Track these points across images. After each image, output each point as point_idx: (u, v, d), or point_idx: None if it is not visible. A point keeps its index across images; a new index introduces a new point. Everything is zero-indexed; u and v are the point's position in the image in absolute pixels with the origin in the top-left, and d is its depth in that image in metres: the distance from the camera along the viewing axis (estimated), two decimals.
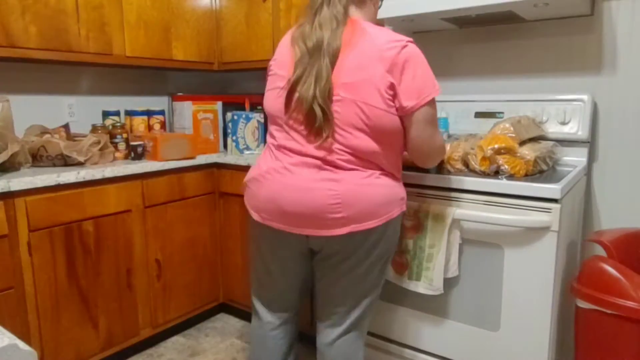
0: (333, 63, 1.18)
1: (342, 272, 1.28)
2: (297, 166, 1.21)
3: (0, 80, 2.04)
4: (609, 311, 1.32)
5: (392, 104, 1.19)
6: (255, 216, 1.31)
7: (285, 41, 1.32)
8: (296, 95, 1.21)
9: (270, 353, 1.45)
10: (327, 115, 1.17)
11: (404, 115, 1.22)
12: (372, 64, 1.17)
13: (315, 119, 1.17)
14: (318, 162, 1.20)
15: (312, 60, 1.20)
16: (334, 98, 1.17)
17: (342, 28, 1.21)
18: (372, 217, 1.21)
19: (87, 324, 1.83)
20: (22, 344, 0.54)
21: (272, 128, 1.32)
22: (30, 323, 1.66)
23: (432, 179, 1.56)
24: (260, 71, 2.81)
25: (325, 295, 1.34)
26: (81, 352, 1.82)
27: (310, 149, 1.20)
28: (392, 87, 1.18)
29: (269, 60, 2.35)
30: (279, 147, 1.27)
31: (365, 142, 1.20)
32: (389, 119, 1.20)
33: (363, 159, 1.21)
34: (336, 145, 1.19)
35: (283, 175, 1.22)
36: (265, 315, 1.45)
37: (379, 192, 1.22)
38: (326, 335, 1.36)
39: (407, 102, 1.19)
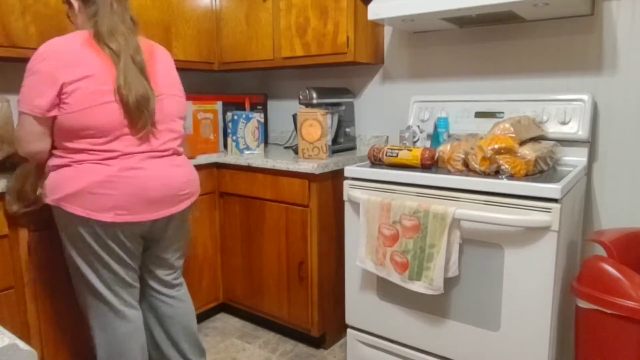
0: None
1: (174, 241, 1.59)
2: (151, 159, 1.42)
3: (0, 80, 2.04)
4: (609, 311, 1.32)
5: None
6: (108, 217, 1.36)
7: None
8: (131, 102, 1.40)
9: (143, 346, 1.56)
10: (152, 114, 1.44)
11: None
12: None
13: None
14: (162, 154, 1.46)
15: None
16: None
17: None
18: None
19: (88, 324, 1.83)
20: (22, 344, 0.54)
21: (97, 141, 1.36)
22: (30, 323, 1.66)
23: (432, 179, 1.56)
24: (260, 71, 2.81)
25: (161, 268, 1.61)
26: (81, 352, 1.81)
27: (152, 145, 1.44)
28: None
29: (269, 60, 2.37)
30: (116, 155, 1.38)
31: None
32: None
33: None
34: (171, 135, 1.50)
35: (142, 170, 1.39)
36: (130, 311, 1.52)
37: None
38: (169, 286, 1.65)
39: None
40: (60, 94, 1.32)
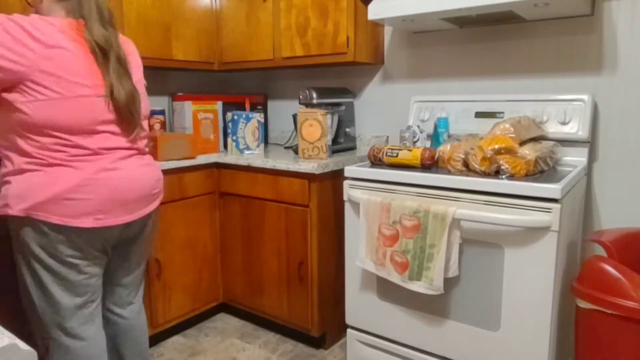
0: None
1: (141, 244, 1.50)
2: (122, 160, 1.34)
3: None
4: (609, 311, 1.32)
5: None
6: (87, 222, 1.25)
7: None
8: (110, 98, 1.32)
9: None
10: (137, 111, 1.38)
11: None
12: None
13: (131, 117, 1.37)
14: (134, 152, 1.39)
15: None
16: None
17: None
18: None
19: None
20: (22, 344, 0.54)
21: (71, 138, 1.25)
22: None
23: (432, 179, 1.56)
24: (260, 71, 2.81)
25: (124, 272, 1.51)
26: None
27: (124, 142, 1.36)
28: None
29: (269, 60, 2.37)
30: (94, 151, 1.28)
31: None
32: None
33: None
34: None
35: (117, 171, 1.31)
36: (97, 325, 1.40)
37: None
38: (129, 304, 1.54)
39: None
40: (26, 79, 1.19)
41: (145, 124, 1.46)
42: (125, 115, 1.34)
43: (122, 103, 1.31)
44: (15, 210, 1.23)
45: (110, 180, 1.29)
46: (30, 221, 1.24)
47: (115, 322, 1.53)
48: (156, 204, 1.46)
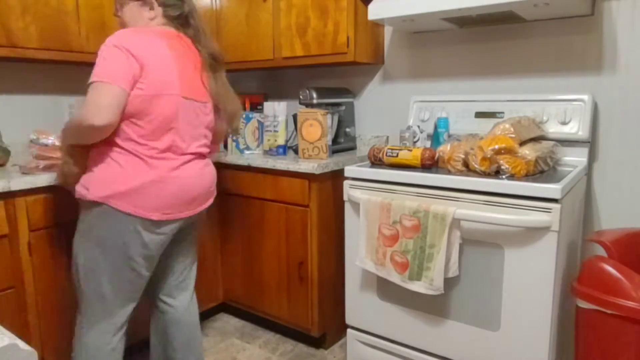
0: None
1: (193, 233, 1.65)
2: (187, 161, 1.45)
3: (0, 80, 2.04)
4: (609, 311, 1.32)
5: None
6: (155, 216, 1.37)
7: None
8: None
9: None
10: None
11: None
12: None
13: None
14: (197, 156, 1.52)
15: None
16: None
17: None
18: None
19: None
20: (22, 344, 0.54)
21: (159, 135, 1.38)
22: (30, 323, 1.66)
23: (432, 179, 1.56)
24: (260, 71, 2.81)
25: (176, 259, 1.63)
26: None
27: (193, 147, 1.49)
28: None
29: (269, 60, 2.37)
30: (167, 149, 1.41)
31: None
32: None
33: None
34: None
35: (184, 170, 1.43)
36: (125, 319, 1.49)
37: None
38: (182, 300, 1.65)
39: None
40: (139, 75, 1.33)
41: (206, 130, 1.55)
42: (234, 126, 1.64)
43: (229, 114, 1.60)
44: (95, 196, 1.34)
45: (179, 179, 1.41)
46: (104, 207, 1.34)
47: (166, 312, 1.63)
48: (212, 200, 1.59)
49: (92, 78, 1.27)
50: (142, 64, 1.30)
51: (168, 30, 1.47)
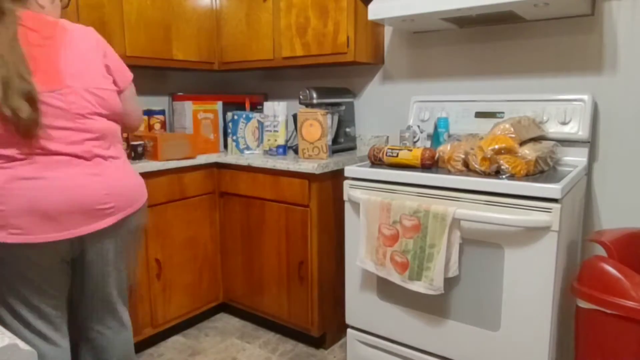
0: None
1: (101, 264, 1.33)
2: (53, 167, 1.17)
3: None
4: (609, 311, 1.32)
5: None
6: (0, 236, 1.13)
7: None
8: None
9: None
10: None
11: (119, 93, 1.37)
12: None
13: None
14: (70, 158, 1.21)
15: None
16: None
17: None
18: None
19: None
20: (22, 344, 0.54)
21: None
22: None
23: (432, 179, 1.56)
24: (260, 71, 2.81)
25: (89, 292, 1.36)
26: None
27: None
28: (108, 69, 1.33)
29: (269, 60, 2.37)
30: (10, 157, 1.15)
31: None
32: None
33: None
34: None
35: (39, 180, 1.15)
36: (60, 340, 1.30)
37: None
38: (108, 322, 1.40)
39: (121, 82, 1.38)
40: None
41: (93, 123, 1.25)
42: (25, 126, 1.15)
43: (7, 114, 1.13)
44: None
45: (28, 190, 1.13)
46: None
47: (93, 339, 1.41)
48: (109, 221, 1.25)
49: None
50: None
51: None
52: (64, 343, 1.32)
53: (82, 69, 1.24)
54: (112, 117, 1.32)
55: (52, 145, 1.18)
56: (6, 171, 1.14)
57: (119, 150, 1.35)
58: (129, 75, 1.42)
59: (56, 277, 1.26)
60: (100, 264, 1.32)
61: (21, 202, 1.13)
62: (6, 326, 1.23)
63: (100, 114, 1.27)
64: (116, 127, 1.35)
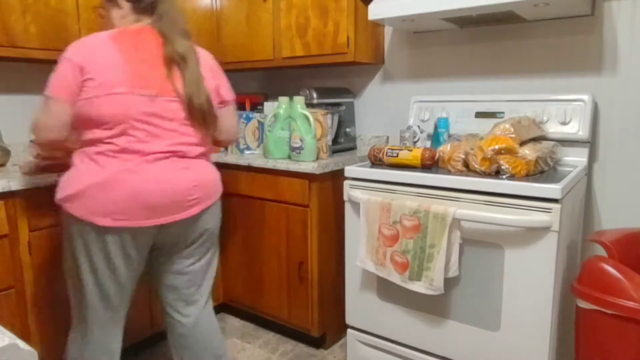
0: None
1: (186, 248, 1.48)
2: (151, 162, 1.33)
3: (0, 80, 2.04)
4: (609, 311, 1.32)
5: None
6: (104, 221, 1.29)
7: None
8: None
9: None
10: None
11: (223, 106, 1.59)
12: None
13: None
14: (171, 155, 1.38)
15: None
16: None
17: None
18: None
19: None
20: (22, 344, 0.54)
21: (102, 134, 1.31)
22: (30, 323, 1.66)
23: (432, 179, 1.56)
24: (260, 71, 2.81)
25: (172, 276, 1.51)
26: None
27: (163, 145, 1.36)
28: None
29: (269, 60, 2.37)
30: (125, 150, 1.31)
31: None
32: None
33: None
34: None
35: (140, 174, 1.31)
36: (110, 324, 1.43)
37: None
38: (190, 315, 1.54)
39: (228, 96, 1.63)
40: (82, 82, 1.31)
41: (186, 127, 1.41)
42: (201, 118, 1.41)
43: (197, 108, 1.40)
44: (57, 198, 1.33)
45: (133, 181, 1.29)
46: (64, 210, 1.33)
47: (174, 325, 1.55)
48: (192, 211, 1.40)
49: (45, 90, 1.34)
50: (82, 68, 1.31)
51: (125, 28, 1.40)
52: (113, 328, 1.44)
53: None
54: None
55: (146, 144, 1.34)
56: (118, 162, 1.30)
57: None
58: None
59: (137, 266, 1.41)
60: (189, 247, 1.48)
61: (124, 192, 1.28)
62: (72, 289, 1.40)
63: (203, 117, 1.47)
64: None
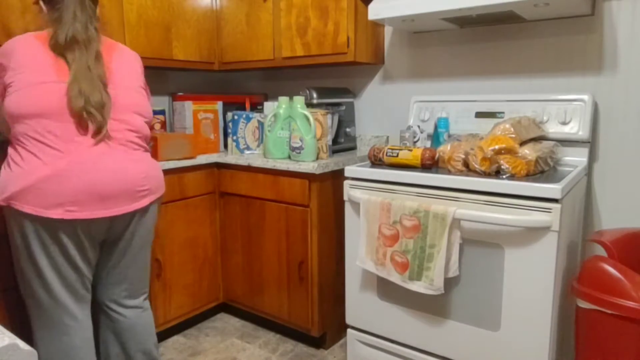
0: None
1: (129, 243, 1.49)
2: (99, 152, 1.33)
3: None
4: (609, 311, 1.32)
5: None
6: (57, 213, 1.28)
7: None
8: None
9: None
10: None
11: None
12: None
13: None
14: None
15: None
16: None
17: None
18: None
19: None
20: (22, 344, 0.54)
21: (42, 126, 1.30)
22: None
23: (432, 179, 1.56)
24: (260, 71, 2.81)
25: (115, 271, 1.51)
26: None
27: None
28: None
29: (269, 60, 2.37)
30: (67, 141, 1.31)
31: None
32: None
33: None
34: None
35: (94, 163, 1.31)
36: (80, 314, 1.43)
37: None
38: (128, 302, 1.55)
39: None
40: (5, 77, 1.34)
41: (131, 118, 1.43)
42: (93, 121, 1.35)
43: (82, 111, 1.33)
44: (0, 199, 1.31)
45: (86, 172, 1.29)
46: (11, 210, 1.30)
47: (115, 320, 1.55)
48: (143, 202, 1.42)
49: None
50: (5, 66, 1.33)
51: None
52: (85, 318, 1.44)
53: (129, 77, 1.52)
54: (141, 117, 1.51)
55: (89, 135, 1.34)
56: (67, 154, 1.29)
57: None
58: None
59: (92, 255, 1.41)
60: (132, 243, 1.48)
61: (79, 182, 1.28)
62: (32, 291, 1.38)
63: (136, 111, 1.48)
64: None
